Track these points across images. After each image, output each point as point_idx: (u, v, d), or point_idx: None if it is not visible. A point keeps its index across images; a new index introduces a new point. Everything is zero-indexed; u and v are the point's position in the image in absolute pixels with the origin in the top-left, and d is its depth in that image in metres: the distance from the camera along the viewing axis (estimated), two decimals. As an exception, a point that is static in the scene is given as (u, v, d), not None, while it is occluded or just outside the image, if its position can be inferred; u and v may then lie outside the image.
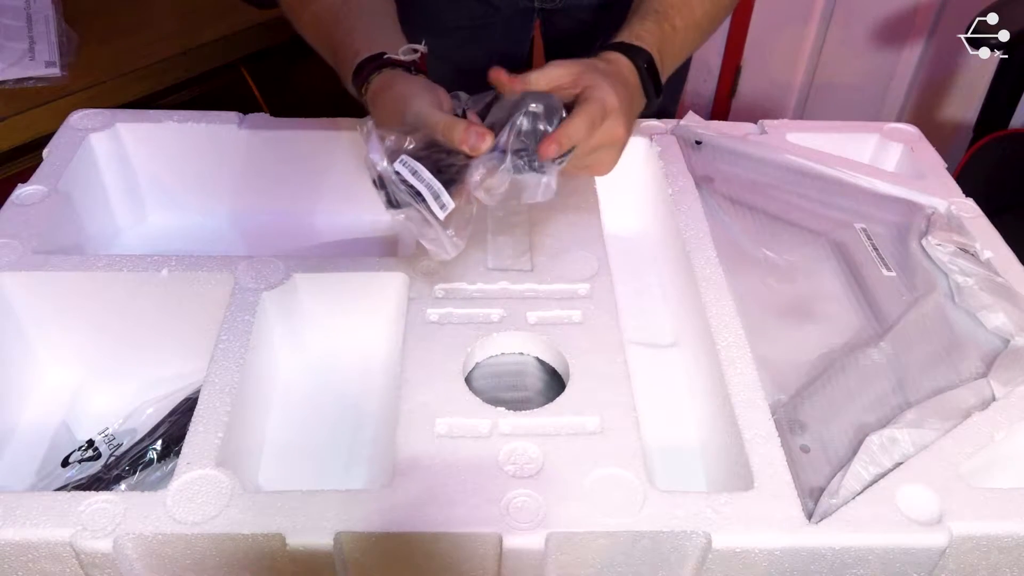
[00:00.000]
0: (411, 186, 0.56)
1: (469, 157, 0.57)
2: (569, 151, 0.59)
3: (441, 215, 0.57)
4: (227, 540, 0.50)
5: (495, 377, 0.65)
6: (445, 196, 0.56)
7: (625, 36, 0.69)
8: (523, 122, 0.58)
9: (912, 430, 0.58)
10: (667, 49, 0.70)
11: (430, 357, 0.63)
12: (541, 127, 0.59)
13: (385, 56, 0.67)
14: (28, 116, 1.11)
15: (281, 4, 0.77)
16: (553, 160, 0.58)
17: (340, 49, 0.70)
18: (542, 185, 0.60)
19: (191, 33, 1.29)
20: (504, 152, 0.57)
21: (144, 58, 1.23)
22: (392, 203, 0.58)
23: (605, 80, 0.62)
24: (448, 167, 0.58)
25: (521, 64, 1.07)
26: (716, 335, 0.64)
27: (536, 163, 0.59)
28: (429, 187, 0.56)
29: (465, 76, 0.99)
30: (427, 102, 0.61)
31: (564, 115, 0.59)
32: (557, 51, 1.07)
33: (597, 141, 0.61)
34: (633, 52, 0.67)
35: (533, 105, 0.59)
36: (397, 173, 0.56)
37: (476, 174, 0.57)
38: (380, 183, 0.57)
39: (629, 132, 0.64)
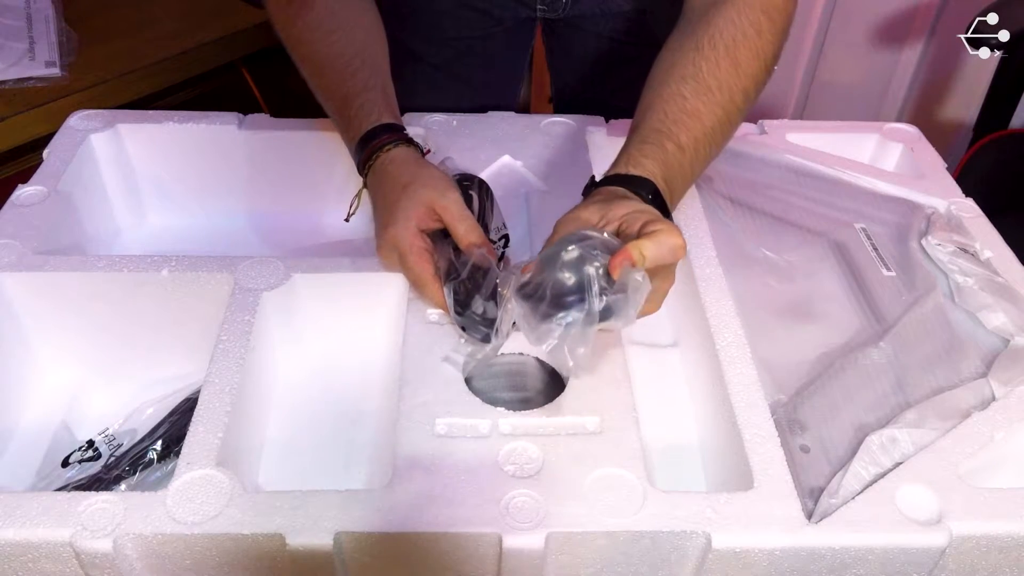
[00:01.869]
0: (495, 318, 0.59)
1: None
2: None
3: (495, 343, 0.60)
4: (227, 540, 0.50)
5: (495, 377, 0.65)
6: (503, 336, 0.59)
7: (623, 166, 0.63)
8: (591, 269, 0.53)
9: (912, 430, 0.58)
10: (673, 172, 0.63)
11: (430, 357, 0.63)
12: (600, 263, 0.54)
13: (404, 131, 0.70)
14: (28, 116, 1.11)
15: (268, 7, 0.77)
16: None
17: (350, 98, 0.71)
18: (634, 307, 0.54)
19: (191, 33, 1.29)
20: (580, 302, 0.53)
21: (144, 58, 1.23)
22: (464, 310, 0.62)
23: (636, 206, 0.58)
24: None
25: (521, 72, 1.07)
26: (716, 335, 0.64)
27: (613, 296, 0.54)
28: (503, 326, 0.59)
29: (463, 85, 0.99)
30: (463, 206, 0.65)
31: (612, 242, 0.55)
32: (561, 61, 1.06)
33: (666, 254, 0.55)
34: (635, 184, 0.61)
35: (587, 243, 0.55)
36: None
37: (567, 343, 0.53)
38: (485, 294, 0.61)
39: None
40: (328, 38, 0.73)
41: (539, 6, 0.96)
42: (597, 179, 0.64)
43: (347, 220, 0.74)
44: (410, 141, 0.71)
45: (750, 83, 0.67)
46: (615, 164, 0.64)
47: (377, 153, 0.69)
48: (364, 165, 0.70)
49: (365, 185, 0.72)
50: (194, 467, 0.54)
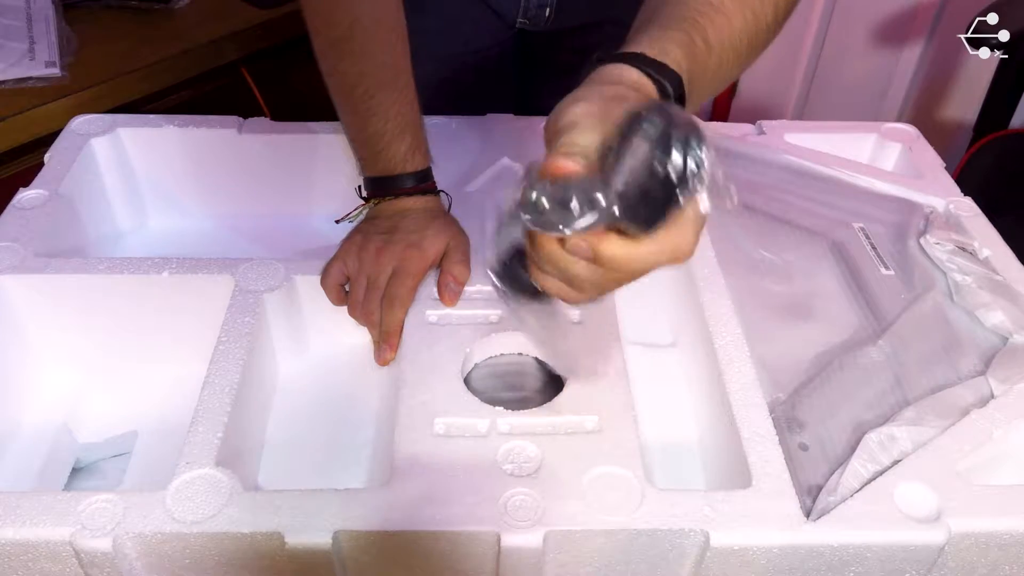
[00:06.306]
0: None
1: None
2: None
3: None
4: (226, 539, 0.51)
5: (494, 378, 0.65)
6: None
7: (645, 45, 0.48)
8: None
9: (911, 428, 0.58)
10: (698, 72, 0.49)
11: (429, 358, 0.63)
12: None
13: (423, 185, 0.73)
14: (28, 116, 1.11)
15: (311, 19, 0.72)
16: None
17: (376, 129, 0.71)
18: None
19: (190, 33, 1.29)
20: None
21: (144, 58, 1.23)
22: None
23: None
24: None
25: (512, 82, 1.06)
26: (714, 335, 0.64)
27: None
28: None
29: (460, 101, 0.98)
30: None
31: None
32: (532, 72, 1.05)
33: None
34: (660, 73, 0.47)
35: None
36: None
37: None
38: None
39: None
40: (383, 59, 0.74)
41: (520, 19, 0.96)
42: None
43: (337, 222, 0.75)
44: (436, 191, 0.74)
45: None
46: (633, 41, 0.49)
47: (385, 193, 0.72)
48: (382, 190, 0.73)
49: (369, 198, 0.74)
50: (194, 466, 0.54)
